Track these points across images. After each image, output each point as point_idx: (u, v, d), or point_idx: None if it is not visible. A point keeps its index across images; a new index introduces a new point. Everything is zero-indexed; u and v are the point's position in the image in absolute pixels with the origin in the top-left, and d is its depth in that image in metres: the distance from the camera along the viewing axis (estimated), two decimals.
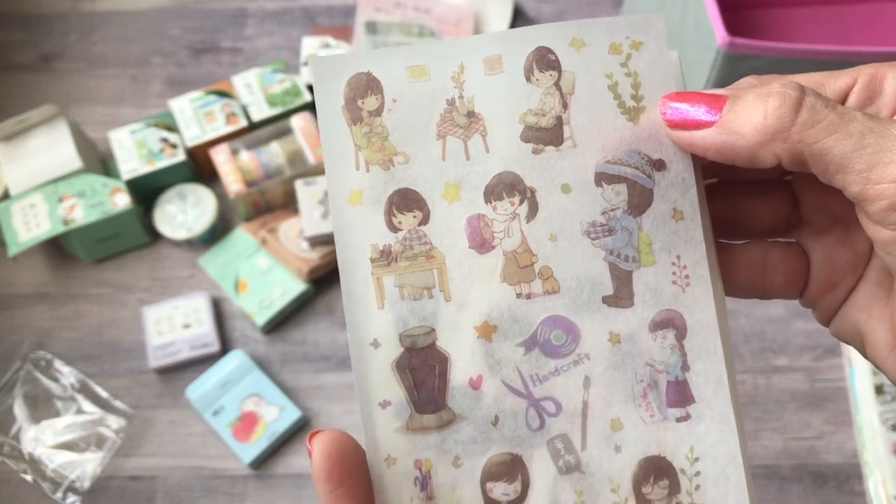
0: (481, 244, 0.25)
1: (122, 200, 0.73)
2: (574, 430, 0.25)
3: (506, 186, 0.25)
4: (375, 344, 0.25)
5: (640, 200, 0.25)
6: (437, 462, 0.25)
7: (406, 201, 0.25)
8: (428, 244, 0.25)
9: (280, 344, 0.72)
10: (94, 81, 0.87)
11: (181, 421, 0.69)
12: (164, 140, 0.77)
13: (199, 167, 0.79)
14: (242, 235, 0.77)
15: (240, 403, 0.68)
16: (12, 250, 0.71)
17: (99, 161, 0.79)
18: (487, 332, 0.25)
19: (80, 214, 0.72)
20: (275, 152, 0.76)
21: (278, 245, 0.75)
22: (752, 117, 0.23)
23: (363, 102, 0.26)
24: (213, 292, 0.74)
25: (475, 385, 0.25)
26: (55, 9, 0.91)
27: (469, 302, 0.25)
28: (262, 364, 0.71)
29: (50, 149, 0.75)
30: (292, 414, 0.68)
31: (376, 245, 0.25)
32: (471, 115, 0.26)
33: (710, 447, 0.25)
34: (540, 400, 0.25)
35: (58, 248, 0.77)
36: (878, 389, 0.64)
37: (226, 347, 0.72)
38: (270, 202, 0.77)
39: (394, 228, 0.25)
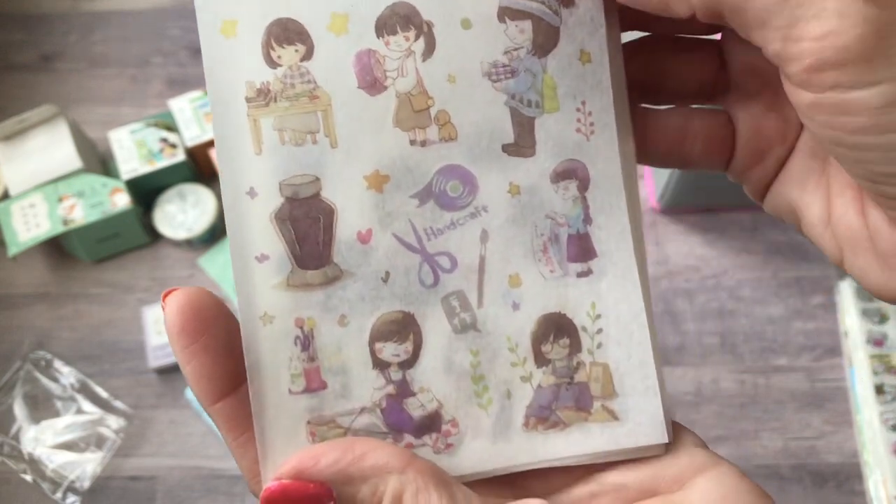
0: (372, 84, 0.23)
1: (122, 200, 0.73)
2: (470, 286, 0.23)
3: (400, 19, 0.23)
4: (252, 193, 0.22)
5: (545, 40, 0.23)
6: (321, 321, 0.23)
7: (287, 32, 0.22)
8: (311, 82, 0.23)
9: None
10: (94, 81, 0.86)
11: (181, 421, 0.69)
12: (164, 140, 0.77)
13: (199, 167, 0.79)
14: None
15: None
16: (12, 250, 0.71)
17: (99, 161, 0.79)
18: (378, 181, 0.23)
19: (80, 214, 0.72)
20: None
21: None
22: None
23: None
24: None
25: (364, 239, 0.23)
26: (55, 9, 0.91)
27: (358, 149, 0.23)
28: None
29: (50, 149, 0.75)
30: None
31: (252, 83, 0.23)
32: None
33: (613, 304, 0.24)
34: (434, 255, 0.23)
35: (58, 248, 0.77)
36: (878, 389, 0.64)
37: None
38: None
39: (273, 64, 0.23)
